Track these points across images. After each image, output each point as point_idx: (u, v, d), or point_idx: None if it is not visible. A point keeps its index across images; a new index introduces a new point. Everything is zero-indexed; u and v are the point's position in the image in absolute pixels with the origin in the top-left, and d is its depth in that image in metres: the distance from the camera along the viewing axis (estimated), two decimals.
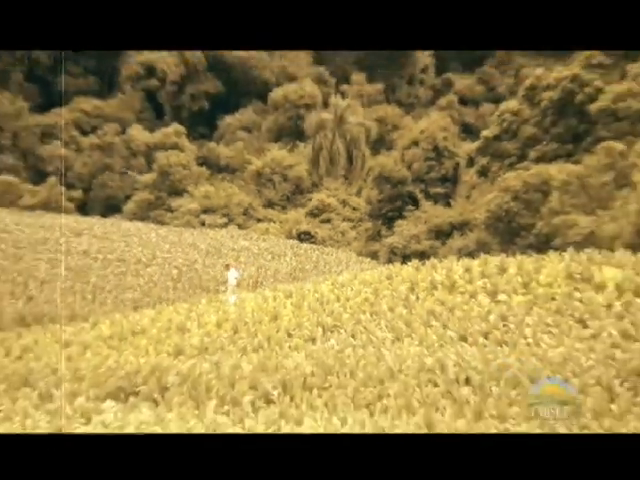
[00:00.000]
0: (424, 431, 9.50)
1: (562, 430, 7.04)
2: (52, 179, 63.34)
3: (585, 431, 7.84)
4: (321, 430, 9.10)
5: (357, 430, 9.17)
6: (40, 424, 8.58)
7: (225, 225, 56.08)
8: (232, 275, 27.44)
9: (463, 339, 16.32)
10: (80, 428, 8.50)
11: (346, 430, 9.15)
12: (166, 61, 72.26)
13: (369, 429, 9.17)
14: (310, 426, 9.37)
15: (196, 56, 74.06)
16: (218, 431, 8.85)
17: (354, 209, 59.04)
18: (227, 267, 29.59)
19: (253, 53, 74.97)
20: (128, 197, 62.84)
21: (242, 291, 26.71)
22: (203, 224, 56.22)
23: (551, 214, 41.67)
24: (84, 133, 68.14)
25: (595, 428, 9.97)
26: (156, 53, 72.03)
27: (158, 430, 8.47)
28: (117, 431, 8.44)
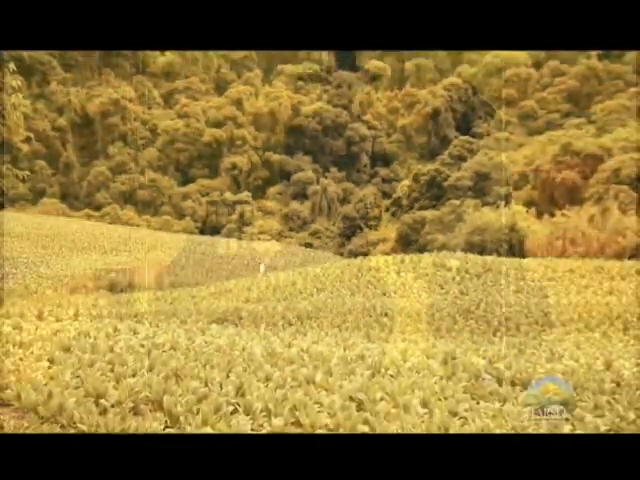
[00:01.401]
0: (365, 340, 9.34)
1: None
2: (186, 218, 63.80)
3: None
4: (315, 337, 8.95)
5: (333, 338, 9.01)
6: (181, 334, 8.46)
7: (270, 240, 56.20)
8: (262, 266, 28.70)
9: (384, 294, 16.28)
10: (199, 337, 8.36)
11: (327, 339, 8.98)
12: (242, 161, 72.05)
13: (339, 338, 9.04)
14: (310, 337, 9.25)
15: (256, 159, 73.96)
16: (265, 340, 8.63)
17: (331, 232, 58.94)
18: (260, 262, 30.56)
19: (285, 158, 74.53)
20: (223, 226, 62.91)
21: (278, 272, 26.61)
22: (259, 239, 56.23)
23: (425, 235, 41.73)
24: (202, 195, 68.11)
25: (448, 339, 9.89)
26: (238, 156, 71.83)
27: (237, 338, 8.28)
28: (217, 339, 8.21)
